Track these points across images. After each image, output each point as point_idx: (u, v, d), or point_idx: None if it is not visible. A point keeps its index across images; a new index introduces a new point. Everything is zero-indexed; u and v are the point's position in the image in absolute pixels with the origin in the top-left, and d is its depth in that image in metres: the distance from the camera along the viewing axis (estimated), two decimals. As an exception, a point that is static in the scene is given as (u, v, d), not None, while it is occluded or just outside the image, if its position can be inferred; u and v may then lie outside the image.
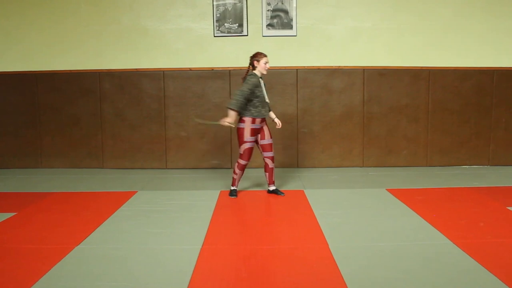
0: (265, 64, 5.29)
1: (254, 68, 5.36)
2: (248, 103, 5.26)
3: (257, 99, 5.26)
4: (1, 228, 4.37)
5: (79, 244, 3.90)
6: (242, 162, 5.42)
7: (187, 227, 4.37)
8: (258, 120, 5.32)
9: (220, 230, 4.31)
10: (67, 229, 4.31)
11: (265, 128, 5.44)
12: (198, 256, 3.62)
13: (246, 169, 5.65)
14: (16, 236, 4.15)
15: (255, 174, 6.54)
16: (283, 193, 5.58)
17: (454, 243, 3.82)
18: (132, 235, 4.15)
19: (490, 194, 5.50)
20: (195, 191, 5.83)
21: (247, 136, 5.32)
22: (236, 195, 5.53)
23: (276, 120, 5.55)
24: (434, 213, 4.70)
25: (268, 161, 5.49)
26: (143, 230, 4.29)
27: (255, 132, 5.36)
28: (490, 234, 4.09)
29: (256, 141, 5.43)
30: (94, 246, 3.87)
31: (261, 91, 5.29)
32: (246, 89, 5.18)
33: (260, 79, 5.33)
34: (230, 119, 5.24)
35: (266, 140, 5.43)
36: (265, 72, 5.34)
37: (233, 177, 5.56)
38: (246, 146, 5.36)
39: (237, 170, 5.49)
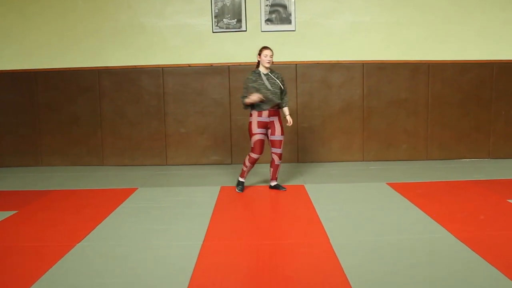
0: (265, 56, 5.26)
1: (258, 64, 5.37)
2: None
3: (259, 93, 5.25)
4: (2, 227, 4.37)
5: (80, 241, 3.90)
6: (253, 155, 5.40)
7: (188, 223, 4.37)
8: (264, 113, 5.30)
9: (221, 226, 4.31)
10: (68, 226, 4.32)
11: (277, 124, 5.39)
12: (199, 252, 3.62)
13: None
14: (17, 234, 4.15)
15: (260, 169, 6.51)
16: (284, 188, 5.58)
17: (454, 236, 3.82)
18: (133, 232, 4.16)
19: (490, 187, 5.50)
20: (196, 187, 5.83)
21: (254, 128, 5.33)
22: (242, 189, 5.55)
23: (288, 117, 5.48)
24: (434, 207, 4.69)
25: (275, 157, 5.48)
26: (144, 226, 4.29)
27: (263, 125, 5.34)
28: (490, 226, 4.10)
29: (266, 135, 5.43)
30: (95, 244, 3.88)
31: (262, 85, 5.26)
32: (244, 89, 5.31)
33: (265, 74, 5.31)
34: (254, 96, 5.20)
35: (276, 136, 5.40)
36: (266, 65, 5.29)
37: (242, 169, 5.56)
38: (255, 138, 5.35)
39: (247, 163, 5.46)
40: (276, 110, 5.37)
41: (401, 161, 7.22)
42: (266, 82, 5.28)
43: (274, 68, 5.45)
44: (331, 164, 7.13)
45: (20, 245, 3.85)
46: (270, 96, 5.26)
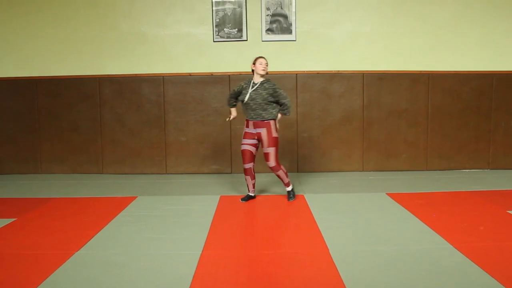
0: (260, 64, 5.29)
1: (253, 72, 5.39)
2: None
3: (243, 103, 5.36)
4: (1, 234, 4.36)
5: (79, 249, 3.89)
6: (243, 166, 5.46)
7: (187, 232, 4.36)
8: (250, 123, 5.34)
9: (220, 235, 4.30)
10: (67, 234, 4.31)
11: (264, 136, 5.31)
12: (198, 262, 3.61)
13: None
14: (16, 242, 4.14)
15: (258, 179, 6.49)
16: (292, 198, 5.56)
17: (454, 247, 3.81)
18: (131, 241, 4.15)
19: (490, 197, 5.50)
20: (195, 196, 5.83)
21: (242, 138, 5.43)
22: (245, 200, 5.53)
23: (276, 123, 5.39)
24: (434, 218, 4.68)
25: (271, 169, 5.50)
26: (143, 235, 4.28)
27: (250, 136, 5.36)
28: (490, 237, 4.09)
29: (256, 147, 5.44)
30: (93, 252, 3.86)
31: (245, 94, 5.29)
32: (232, 91, 5.52)
33: (255, 83, 5.31)
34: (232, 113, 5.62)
35: (264, 148, 5.38)
36: (261, 72, 5.30)
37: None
38: (241, 148, 5.44)
39: (244, 175, 5.54)
40: (262, 121, 5.29)
41: (401, 171, 7.22)
42: (250, 92, 5.27)
43: (274, 78, 5.46)
44: (330, 174, 7.12)
45: (18, 253, 3.84)
46: (252, 105, 5.27)
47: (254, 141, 5.38)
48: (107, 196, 5.88)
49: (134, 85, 7.22)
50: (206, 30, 7.16)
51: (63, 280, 3.29)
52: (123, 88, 7.23)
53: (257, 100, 5.25)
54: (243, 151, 5.42)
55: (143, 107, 7.24)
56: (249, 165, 5.43)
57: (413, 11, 7.10)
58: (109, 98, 7.25)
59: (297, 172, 7.25)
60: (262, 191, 6.01)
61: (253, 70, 5.39)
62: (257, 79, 5.34)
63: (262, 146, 5.39)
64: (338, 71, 7.16)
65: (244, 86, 5.37)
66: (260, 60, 5.32)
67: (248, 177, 5.51)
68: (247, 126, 5.39)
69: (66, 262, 3.61)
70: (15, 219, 4.83)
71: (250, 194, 5.60)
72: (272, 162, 5.38)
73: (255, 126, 5.33)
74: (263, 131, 5.31)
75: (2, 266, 3.56)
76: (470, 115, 7.25)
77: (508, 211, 4.88)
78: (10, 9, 7.17)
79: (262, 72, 5.31)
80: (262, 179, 6.45)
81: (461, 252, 3.70)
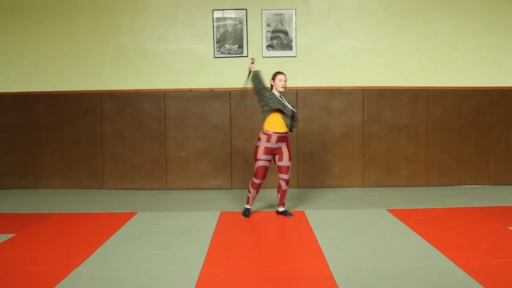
0: (279, 81, 5.30)
1: (271, 88, 5.38)
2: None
3: (282, 112, 5.26)
4: (0, 249, 4.34)
5: (78, 266, 3.87)
6: (256, 181, 5.38)
7: (187, 248, 4.34)
8: (274, 138, 5.28)
9: (220, 252, 4.28)
10: (67, 250, 4.29)
11: (285, 149, 5.37)
12: (198, 279, 3.59)
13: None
14: (15, 257, 4.12)
15: (266, 194, 6.45)
16: (292, 215, 5.53)
17: (455, 264, 3.79)
18: (131, 257, 4.13)
19: (491, 214, 5.48)
20: (196, 212, 5.81)
21: (260, 154, 5.30)
22: (248, 215, 5.51)
23: None
24: (435, 234, 4.66)
25: (282, 183, 5.45)
26: (142, 251, 4.27)
27: (270, 151, 5.32)
28: (491, 254, 4.07)
29: (274, 161, 5.42)
30: (93, 268, 3.84)
31: (283, 106, 5.27)
32: (260, 96, 5.29)
33: (281, 97, 5.35)
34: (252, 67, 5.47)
35: (284, 162, 5.38)
36: (281, 89, 5.32)
37: (247, 195, 5.54)
38: (259, 164, 5.32)
39: (251, 189, 5.45)
40: (284, 136, 5.34)
41: (401, 187, 7.21)
42: (284, 104, 5.31)
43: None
44: (331, 189, 7.11)
45: (17, 269, 3.82)
46: (283, 117, 5.29)
47: (271, 157, 5.37)
48: (107, 212, 5.87)
49: (135, 101, 7.25)
50: (207, 46, 7.20)
51: (62, 297, 3.28)
52: (124, 103, 7.25)
53: (288, 113, 5.31)
54: (262, 167, 5.32)
55: (144, 122, 7.26)
56: (262, 181, 5.40)
57: (413, 27, 7.15)
58: (109, 113, 7.27)
59: (298, 187, 7.24)
60: (262, 207, 5.99)
61: (271, 86, 5.38)
62: (277, 93, 5.37)
63: (281, 160, 5.37)
64: (338, 87, 7.18)
65: (273, 96, 5.30)
66: (280, 76, 5.32)
67: (255, 191, 5.48)
68: (269, 141, 5.30)
69: (66, 278, 3.59)
70: (15, 234, 4.82)
71: (249, 207, 5.56)
72: (289, 175, 5.44)
73: (278, 141, 5.31)
74: (283, 145, 5.36)
75: (1, 282, 3.54)
76: (470, 131, 7.26)
77: (509, 228, 4.86)
78: (12, 23, 7.22)
79: (282, 90, 5.35)
80: (263, 195, 6.43)
81: (462, 269, 3.68)
